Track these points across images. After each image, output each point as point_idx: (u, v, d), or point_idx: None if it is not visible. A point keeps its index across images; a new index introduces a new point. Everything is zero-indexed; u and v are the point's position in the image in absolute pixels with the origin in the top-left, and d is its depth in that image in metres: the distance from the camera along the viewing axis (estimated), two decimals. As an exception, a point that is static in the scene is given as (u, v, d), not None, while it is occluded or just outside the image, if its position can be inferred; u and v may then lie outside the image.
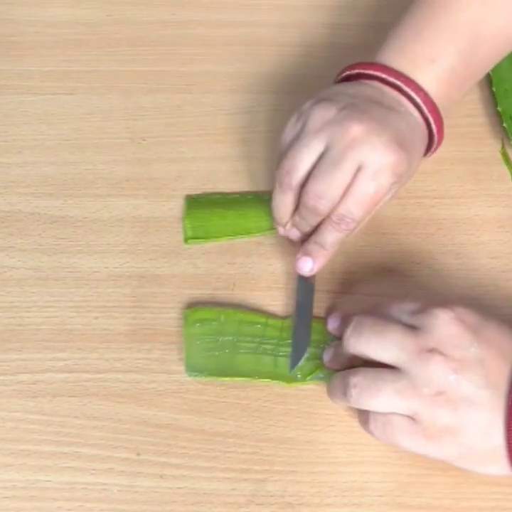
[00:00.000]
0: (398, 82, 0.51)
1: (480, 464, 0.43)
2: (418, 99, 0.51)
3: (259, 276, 0.54)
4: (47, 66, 0.64)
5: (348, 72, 0.53)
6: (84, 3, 0.68)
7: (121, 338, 0.52)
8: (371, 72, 0.51)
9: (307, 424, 0.49)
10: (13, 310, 0.53)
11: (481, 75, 0.55)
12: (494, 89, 0.61)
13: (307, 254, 0.51)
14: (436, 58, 0.51)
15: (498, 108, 0.60)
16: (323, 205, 0.48)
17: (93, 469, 0.48)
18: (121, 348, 0.51)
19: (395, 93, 0.51)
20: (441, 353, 0.42)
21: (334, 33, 0.66)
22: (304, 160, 0.49)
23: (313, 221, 0.50)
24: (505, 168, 0.59)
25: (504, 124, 0.59)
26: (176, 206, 0.57)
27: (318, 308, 0.53)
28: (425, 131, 0.52)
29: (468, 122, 0.61)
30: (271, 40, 0.66)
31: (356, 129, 0.48)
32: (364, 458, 0.48)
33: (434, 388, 0.41)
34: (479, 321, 0.43)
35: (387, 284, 0.54)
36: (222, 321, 0.52)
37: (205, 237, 0.56)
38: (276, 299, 0.53)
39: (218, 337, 0.51)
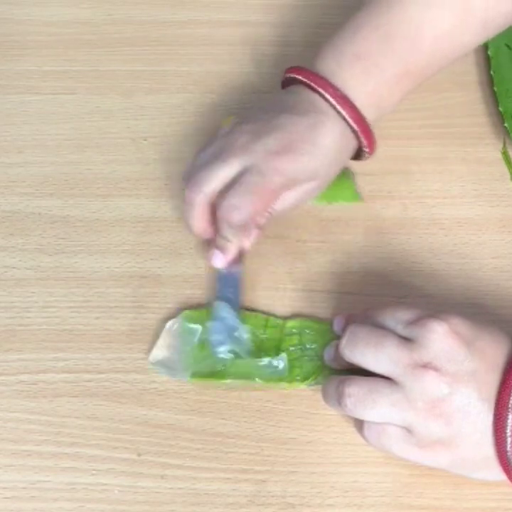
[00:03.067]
0: (316, 86, 0.51)
1: (473, 471, 0.43)
2: (335, 103, 0.51)
3: (260, 276, 0.54)
4: (47, 66, 0.64)
5: (286, 76, 0.54)
6: (85, 3, 0.68)
7: (122, 338, 0.52)
8: (295, 76, 0.52)
9: (308, 425, 0.49)
10: (13, 310, 0.53)
11: (420, 77, 0.54)
12: (495, 89, 0.61)
13: (217, 248, 0.52)
14: (362, 55, 0.51)
15: (500, 108, 0.60)
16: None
17: (94, 470, 0.48)
18: (122, 348, 0.51)
19: (316, 97, 0.51)
20: (435, 368, 0.42)
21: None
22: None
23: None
24: (506, 168, 0.59)
25: (505, 124, 0.59)
26: (177, 206, 0.57)
27: (319, 308, 0.53)
28: (349, 135, 0.52)
29: (469, 122, 0.61)
30: (271, 40, 0.66)
31: (243, 139, 0.50)
32: (365, 458, 0.48)
33: (428, 402, 0.41)
34: (473, 332, 0.43)
35: (387, 284, 0.54)
36: (223, 321, 0.52)
37: None
38: (276, 299, 0.53)
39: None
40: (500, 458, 0.42)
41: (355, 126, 0.51)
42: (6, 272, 0.54)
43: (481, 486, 0.46)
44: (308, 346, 0.51)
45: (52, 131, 0.61)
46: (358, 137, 0.52)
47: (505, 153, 0.59)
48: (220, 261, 0.52)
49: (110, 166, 0.59)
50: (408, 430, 0.42)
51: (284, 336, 0.51)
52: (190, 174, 0.51)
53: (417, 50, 0.52)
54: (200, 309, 0.52)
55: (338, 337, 0.48)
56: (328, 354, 0.50)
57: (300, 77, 0.52)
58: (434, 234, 0.56)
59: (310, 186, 0.51)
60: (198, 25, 0.67)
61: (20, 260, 0.55)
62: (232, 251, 0.52)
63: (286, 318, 0.52)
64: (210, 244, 0.53)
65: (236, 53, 0.65)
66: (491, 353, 0.43)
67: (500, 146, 0.60)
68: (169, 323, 0.51)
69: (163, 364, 0.50)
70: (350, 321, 0.49)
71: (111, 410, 0.49)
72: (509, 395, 0.41)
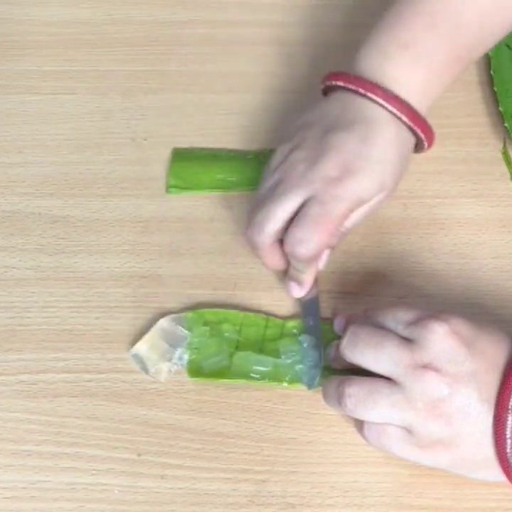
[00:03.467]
0: (364, 92, 0.49)
1: (473, 471, 0.43)
2: (386, 104, 0.49)
3: (260, 276, 0.54)
4: (47, 66, 0.64)
5: (322, 86, 0.53)
6: (85, 3, 0.68)
7: (122, 338, 0.52)
8: (338, 83, 0.51)
9: (308, 425, 0.49)
10: (13, 310, 0.53)
11: (467, 60, 0.53)
12: (496, 88, 0.61)
13: (291, 279, 0.52)
14: (409, 44, 0.50)
15: (500, 108, 0.60)
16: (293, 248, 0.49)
17: (94, 470, 0.47)
18: (122, 348, 0.51)
19: (364, 102, 0.50)
20: (435, 369, 0.41)
21: (334, 32, 0.66)
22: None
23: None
24: (506, 168, 0.59)
25: (506, 124, 0.59)
26: (177, 206, 0.57)
27: (320, 308, 0.53)
28: (405, 133, 0.51)
29: (469, 122, 0.61)
30: (271, 39, 0.66)
31: (299, 169, 0.49)
32: (365, 458, 0.48)
33: (428, 402, 0.41)
34: (473, 333, 0.43)
35: (387, 284, 0.54)
36: (223, 321, 0.52)
37: (187, 188, 0.57)
38: (277, 299, 0.53)
39: (219, 338, 0.51)
40: (500, 459, 0.42)
41: (411, 123, 0.50)
42: (6, 271, 0.54)
43: (481, 486, 0.46)
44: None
45: (52, 131, 0.61)
46: (415, 133, 0.51)
47: (505, 153, 0.59)
48: (297, 292, 0.52)
49: (110, 165, 0.59)
50: (408, 430, 0.42)
51: (284, 336, 0.51)
52: (251, 214, 0.50)
53: (463, 32, 0.51)
54: (201, 310, 0.52)
55: (339, 337, 0.48)
56: (329, 353, 0.50)
57: (342, 84, 0.50)
58: (434, 234, 0.56)
59: (379, 198, 0.50)
60: (198, 25, 0.67)
61: (20, 260, 0.55)
62: (306, 281, 0.51)
63: (286, 318, 0.52)
64: (286, 273, 0.53)
65: (236, 53, 0.65)
66: (491, 353, 0.43)
67: (501, 146, 0.60)
68: (161, 321, 0.51)
69: (140, 359, 0.50)
70: (350, 321, 0.49)
71: (111, 410, 0.49)
72: (509, 396, 0.41)
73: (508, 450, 0.41)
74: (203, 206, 0.57)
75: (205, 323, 0.52)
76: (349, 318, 0.50)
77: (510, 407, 0.41)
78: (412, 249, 0.55)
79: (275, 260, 0.51)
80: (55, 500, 0.47)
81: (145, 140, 0.60)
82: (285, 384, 0.50)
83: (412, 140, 0.52)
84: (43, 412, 0.49)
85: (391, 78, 0.50)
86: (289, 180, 0.49)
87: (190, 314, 0.52)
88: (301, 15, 0.67)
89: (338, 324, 0.51)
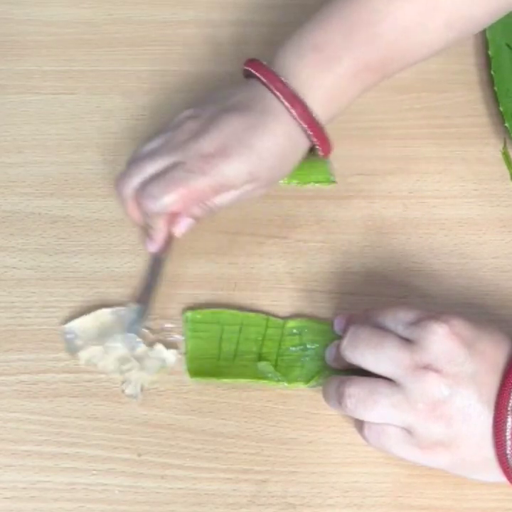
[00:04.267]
0: (266, 81, 0.51)
1: (473, 472, 0.44)
2: (284, 101, 0.50)
3: (261, 276, 0.54)
4: (47, 66, 0.64)
5: (244, 67, 0.54)
6: (85, 3, 0.68)
7: (122, 338, 0.52)
8: (249, 69, 0.52)
9: (308, 425, 0.49)
10: (13, 310, 0.53)
11: (382, 72, 0.53)
12: (496, 88, 0.61)
13: (147, 233, 0.53)
14: (322, 47, 0.51)
15: (500, 108, 0.60)
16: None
17: (94, 470, 0.47)
18: (122, 349, 0.51)
19: (267, 93, 0.51)
20: (435, 370, 0.41)
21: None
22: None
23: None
24: (507, 168, 0.59)
25: (506, 124, 0.59)
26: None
27: (320, 308, 0.53)
28: (299, 134, 0.51)
29: (470, 122, 0.61)
30: (271, 39, 0.66)
31: (182, 137, 0.51)
32: (365, 458, 0.48)
33: (428, 403, 0.41)
34: (474, 334, 0.43)
35: (388, 284, 0.54)
36: (223, 321, 0.52)
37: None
38: (277, 299, 0.53)
39: (219, 338, 0.51)
40: (500, 460, 0.42)
41: (305, 126, 0.50)
42: (6, 271, 0.54)
43: (482, 486, 0.46)
44: (308, 346, 0.51)
45: (53, 131, 0.61)
46: (309, 137, 0.51)
47: (505, 153, 0.59)
48: (148, 246, 0.53)
49: (110, 165, 0.59)
50: (408, 431, 0.42)
51: (284, 336, 0.51)
52: (127, 164, 0.52)
53: (376, 44, 0.51)
54: (201, 310, 0.52)
55: (339, 337, 0.48)
56: (329, 354, 0.50)
57: (254, 72, 0.52)
58: (435, 234, 0.56)
59: (249, 187, 0.51)
60: (199, 25, 0.67)
61: (20, 260, 0.55)
62: (156, 237, 0.52)
63: (286, 318, 0.52)
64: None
65: (237, 53, 0.65)
66: (492, 354, 0.43)
67: (501, 146, 0.60)
68: (103, 310, 0.52)
69: (70, 338, 0.51)
70: (350, 321, 0.49)
71: (111, 410, 0.49)
72: (509, 397, 0.41)
73: (508, 451, 0.41)
74: (203, 206, 0.57)
75: (205, 323, 0.52)
76: (349, 318, 0.50)
77: (510, 408, 0.41)
78: (412, 249, 0.55)
79: (136, 214, 0.52)
80: (55, 500, 0.47)
81: (145, 140, 0.60)
82: (285, 384, 0.50)
83: (304, 143, 0.52)
84: (43, 412, 0.49)
85: (300, 78, 0.51)
86: (170, 143, 0.51)
87: (190, 314, 0.52)
88: (299, 15, 0.67)
89: (338, 324, 0.51)
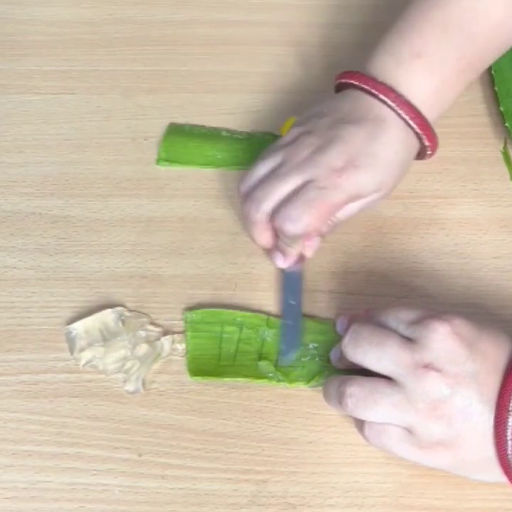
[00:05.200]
0: (376, 93, 0.50)
1: (473, 473, 0.44)
2: (397, 109, 0.50)
3: (261, 276, 0.54)
4: (48, 66, 0.64)
5: (337, 82, 0.53)
6: (86, 3, 0.68)
7: (122, 338, 0.52)
8: (351, 82, 0.52)
9: (309, 425, 0.49)
10: (14, 310, 0.53)
11: (479, 68, 0.54)
12: (496, 88, 0.61)
13: (278, 250, 0.53)
14: (422, 53, 0.51)
15: (501, 108, 0.60)
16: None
17: (94, 470, 0.47)
18: (122, 349, 0.51)
19: (375, 102, 0.51)
20: (436, 369, 0.41)
21: (334, 33, 0.66)
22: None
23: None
24: (507, 168, 0.59)
25: (506, 124, 0.59)
26: (177, 206, 0.57)
27: (320, 308, 0.53)
28: (412, 139, 0.51)
29: (470, 122, 0.61)
30: (271, 39, 0.66)
31: (304, 153, 0.50)
32: (366, 459, 0.48)
33: (429, 403, 0.41)
34: (475, 333, 0.43)
35: (389, 284, 0.54)
36: (224, 321, 0.52)
37: (176, 162, 0.59)
38: (277, 299, 0.53)
39: (220, 338, 0.51)
40: (500, 460, 0.42)
41: (419, 130, 0.51)
42: (6, 272, 0.54)
43: (483, 487, 0.46)
44: (309, 346, 0.51)
45: (53, 130, 0.61)
46: (421, 140, 0.52)
47: (505, 153, 0.59)
48: (281, 262, 0.53)
49: (111, 165, 0.59)
50: (409, 431, 0.42)
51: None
52: (249, 188, 0.51)
53: (474, 41, 0.51)
54: (201, 310, 0.52)
55: (341, 337, 0.48)
56: (333, 354, 0.50)
57: (356, 83, 0.51)
58: (435, 234, 0.56)
59: (375, 197, 0.51)
60: (199, 25, 0.67)
61: (20, 260, 0.55)
62: (292, 255, 0.52)
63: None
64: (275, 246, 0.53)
65: (237, 53, 0.65)
66: (493, 354, 0.42)
67: (501, 146, 0.60)
68: (107, 311, 0.51)
69: (72, 338, 0.50)
70: (352, 321, 0.49)
71: (111, 410, 0.49)
72: (509, 398, 0.41)
73: (509, 451, 0.41)
74: (203, 206, 0.57)
75: (206, 323, 0.52)
76: (351, 318, 0.50)
77: (510, 408, 0.41)
78: (413, 249, 0.55)
79: (266, 237, 0.52)
80: (55, 500, 0.47)
81: (145, 140, 0.60)
82: (286, 384, 0.50)
83: (416, 146, 0.52)
84: (44, 412, 0.49)
85: (403, 85, 0.51)
86: (294, 161, 0.50)
87: (190, 314, 0.52)
88: (299, 15, 0.67)
89: (340, 324, 0.51)
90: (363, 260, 0.55)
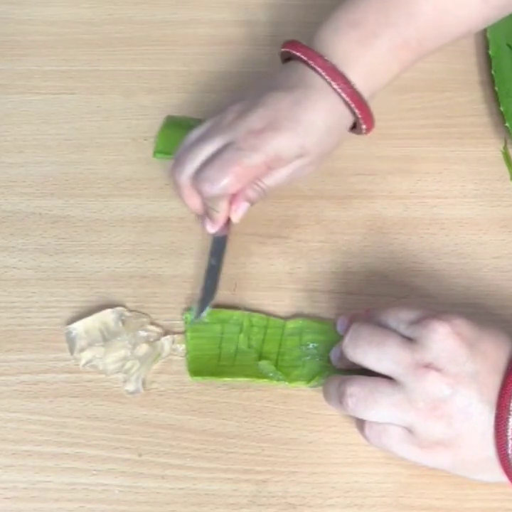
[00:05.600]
0: (306, 59, 0.51)
1: (473, 473, 0.44)
2: (325, 75, 0.50)
3: (261, 276, 0.54)
4: (48, 65, 0.64)
5: (281, 50, 0.54)
6: (86, 3, 0.68)
7: (122, 338, 0.52)
8: (288, 50, 0.52)
9: (309, 425, 0.49)
10: (14, 310, 0.53)
11: (419, 51, 0.53)
12: (497, 88, 0.61)
13: (206, 215, 0.53)
14: (359, 23, 0.51)
15: (501, 108, 0.60)
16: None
17: (94, 470, 0.47)
18: (122, 349, 0.51)
19: (308, 70, 0.51)
20: (436, 369, 0.41)
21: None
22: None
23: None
24: (507, 168, 0.59)
25: (507, 124, 0.59)
26: (177, 206, 0.57)
27: (320, 308, 0.53)
28: (342, 108, 0.51)
29: (470, 122, 0.61)
30: (272, 39, 0.66)
31: (229, 118, 0.51)
32: (366, 459, 0.48)
33: (429, 403, 0.41)
34: (475, 333, 0.43)
35: (389, 284, 0.54)
36: (224, 321, 0.52)
37: (173, 154, 0.57)
38: (278, 299, 0.53)
39: (220, 338, 0.51)
40: (501, 460, 0.41)
41: (347, 98, 0.51)
42: (6, 272, 0.54)
43: (483, 487, 0.46)
44: (309, 346, 0.51)
45: (53, 130, 0.61)
46: (352, 110, 0.51)
47: (506, 153, 0.59)
48: (209, 227, 0.53)
49: (111, 165, 0.59)
50: (409, 430, 0.42)
51: (285, 336, 0.51)
52: (177, 155, 0.52)
53: (414, 21, 0.51)
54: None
55: (341, 337, 0.48)
56: (334, 354, 0.50)
57: (292, 51, 0.52)
58: (435, 234, 0.56)
59: (301, 163, 0.51)
60: (199, 25, 0.67)
61: (20, 260, 0.55)
62: (217, 218, 0.52)
63: (287, 318, 0.52)
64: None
65: (236, 53, 0.65)
66: (493, 354, 0.42)
67: (501, 146, 0.60)
68: (107, 311, 0.52)
69: (72, 338, 0.51)
70: (353, 321, 0.49)
71: (111, 410, 0.49)
72: (510, 397, 0.41)
73: (509, 451, 0.41)
74: (204, 206, 0.57)
75: (206, 323, 0.52)
76: (352, 318, 0.50)
77: (511, 408, 0.41)
78: (413, 249, 0.55)
79: (194, 201, 0.52)
80: (55, 500, 0.47)
81: (145, 140, 0.60)
82: (286, 383, 0.50)
83: (348, 117, 0.52)
84: (44, 412, 0.49)
85: (338, 54, 0.51)
86: (218, 126, 0.51)
87: (190, 314, 0.52)
88: (300, 14, 0.67)
89: (341, 325, 0.51)
90: (363, 260, 0.55)
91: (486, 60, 0.64)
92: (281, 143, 0.50)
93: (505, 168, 0.59)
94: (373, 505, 0.46)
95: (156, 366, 0.51)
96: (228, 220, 0.53)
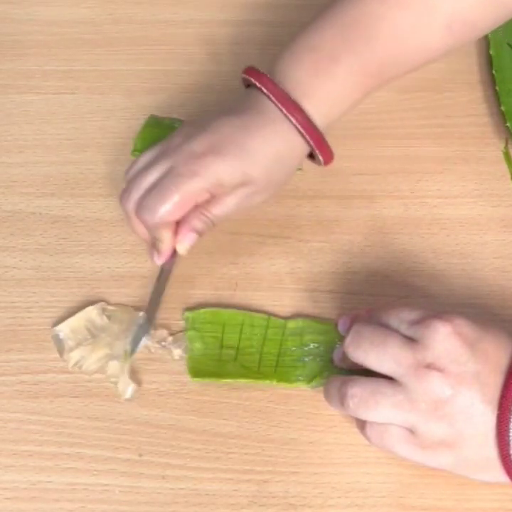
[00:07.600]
0: (261, 87, 0.49)
1: (475, 472, 0.43)
2: (275, 101, 0.49)
3: (262, 276, 0.54)
4: (48, 65, 0.64)
5: (242, 76, 0.52)
6: (86, 3, 0.68)
7: (123, 338, 0.52)
8: (245, 76, 0.51)
9: (310, 425, 0.49)
10: (14, 310, 0.53)
11: (381, 77, 0.51)
12: (497, 88, 0.61)
13: (152, 245, 0.51)
14: (316, 48, 0.50)
15: (502, 107, 0.60)
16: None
17: (95, 470, 0.47)
18: (123, 349, 0.51)
19: (260, 96, 0.50)
20: (438, 369, 0.41)
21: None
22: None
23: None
24: (508, 168, 0.59)
25: (507, 124, 0.59)
26: (177, 206, 0.57)
27: (321, 308, 0.53)
28: (296, 138, 0.50)
29: (471, 122, 0.61)
30: (272, 39, 0.66)
31: (175, 142, 0.49)
32: (367, 459, 0.48)
33: (430, 403, 0.41)
34: (477, 334, 0.43)
35: (389, 284, 0.54)
36: (224, 321, 0.52)
37: None
38: (278, 299, 0.53)
39: (220, 338, 0.51)
40: (502, 460, 0.41)
41: (299, 126, 0.49)
42: (6, 272, 0.54)
43: (484, 487, 0.46)
44: (310, 346, 0.51)
45: (54, 130, 0.61)
46: (306, 139, 0.50)
47: (506, 153, 0.59)
48: (155, 258, 0.52)
49: (111, 165, 0.59)
50: (411, 431, 0.42)
51: (285, 336, 0.51)
52: (126, 180, 0.51)
53: (372, 47, 0.50)
54: (202, 310, 0.52)
55: (342, 337, 0.48)
56: (336, 354, 0.50)
57: (247, 76, 0.51)
58: (436, 234, 0.56)
59: (247, 191, 0.49)
60: (199, 25, 0.67)
61: (21, 260, 0.55)
62: (161, 250, 0.51)
63: (287, 318, 0.52)
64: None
65: (237, 53, 0.65)
66: (495, 354, 0.42)
67: (502, 145, 0.60)
68: (89, 308, 0.52)
69: (59, 340, 0.51)
70: (355, 321, 0.49)
71: (112, 411, 0.49)
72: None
73: (511, 451, 0.41)
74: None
75: (206, 324, 0.52)
76: (354, 318, 0.50)
77: None
78: (414, 249, 0.55)
79: (142, 230, 0.51)
80: (56, 500, 0.47)
81: (146, 140, 0.60)
82: (287, 384, 0.50)
83: (301, 146, 0.50)
84: (44, 413, 0.49)
85: (294, 80, 0.50)
86: (165, 150, 0.50)
87: (190, 314, 0.52)
88: (299, 15, 0.67)
89: (342, 325, 0.50)
90: (364, 260, 0.55)
91: (487, 60, 0.64)
92: (222, 168, 0.48)
93: (505, 168, 0.59)
94: (374, 505, 0.46)
95: (156, 366, 0.51)
96: (175, 251, 0.51)
